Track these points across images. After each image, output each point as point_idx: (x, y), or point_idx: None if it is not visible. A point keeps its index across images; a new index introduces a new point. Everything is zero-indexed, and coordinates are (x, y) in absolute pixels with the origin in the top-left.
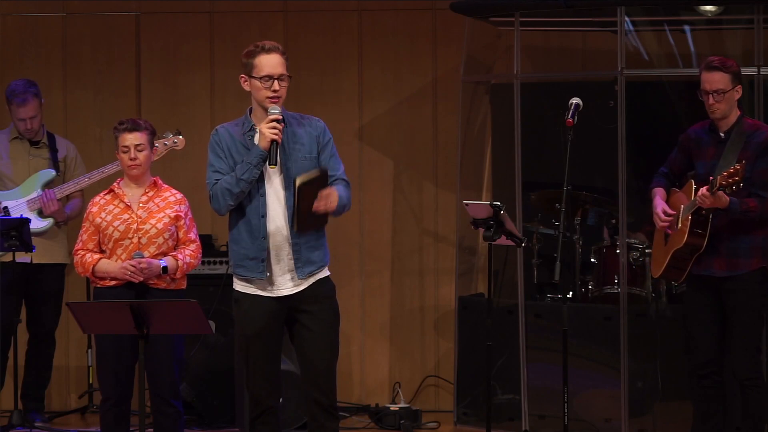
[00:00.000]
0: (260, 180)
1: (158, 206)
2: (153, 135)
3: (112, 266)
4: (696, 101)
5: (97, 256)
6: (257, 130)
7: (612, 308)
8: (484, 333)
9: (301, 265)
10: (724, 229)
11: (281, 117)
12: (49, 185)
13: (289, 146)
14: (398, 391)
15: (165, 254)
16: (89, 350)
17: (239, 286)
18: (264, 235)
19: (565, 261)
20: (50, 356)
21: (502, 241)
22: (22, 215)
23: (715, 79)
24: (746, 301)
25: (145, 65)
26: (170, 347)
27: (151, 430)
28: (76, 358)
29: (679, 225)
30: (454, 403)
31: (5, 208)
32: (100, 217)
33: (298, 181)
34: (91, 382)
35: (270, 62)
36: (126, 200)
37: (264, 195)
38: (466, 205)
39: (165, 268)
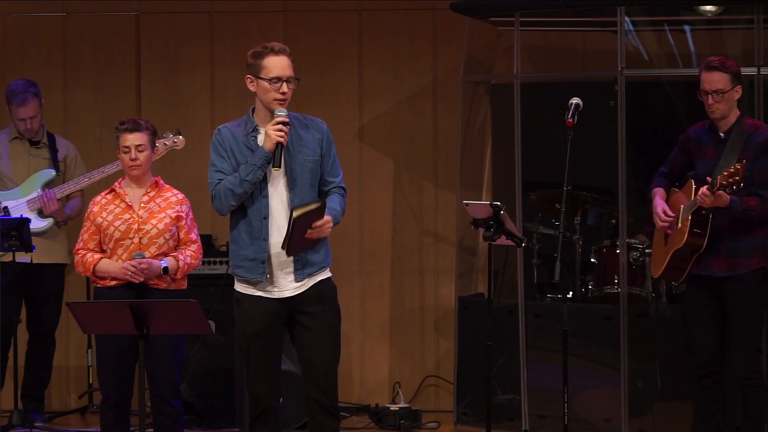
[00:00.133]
0: (263, 181)
1: (159, 206)
2: (154, 135)
3: (112, 266)
4: (696, 101)
5: (98, 255)
6: (260, 131)
7: (612, 308)
8: (484, 333)
9: (301, 266)
10: (724, 229)
11: (288, 119)
12: (49, 185)
13: (293, 149)
14: (398, 391)
15: (166, 254)
16: (89, 350)
17: (240, 286)
18: (265, 237)
19: (565, 261)
20: (50, 356)
21: (502, 241)
22: (22, 215)
23: (714, 79)
24: (746, 301)
25: (145, 65)
26: (170, 347)
27: (151, 430)
28: (76, 358)
29: (679, 225)
30: (454, 403)
31: (5, 208)
32: (101, 217)
33: (295, 214)
34: (91, 382)
35: (280, 64)
36: (127, 200)
37: (266, 197)
38: (466, 205)
39: (166, 269)
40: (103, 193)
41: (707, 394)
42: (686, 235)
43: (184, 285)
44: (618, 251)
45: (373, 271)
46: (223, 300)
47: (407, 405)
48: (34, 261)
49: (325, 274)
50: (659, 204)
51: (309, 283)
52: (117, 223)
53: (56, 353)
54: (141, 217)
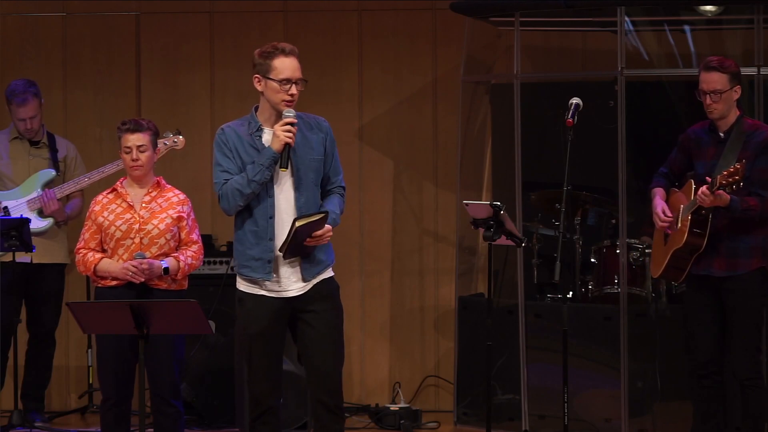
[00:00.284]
0: (269, 181)
1: (161, 206)
2: (156, 135)
3: (113, 266)
4: (696, 101)
5: (99, 255)
6: (265, 130)
7: (612, 308)
8: (484, 333)
9: (309, 265)
10: (724, 229)
11: (296, 120)
12: (49, 185)
13: (299, 149)
14: (398, 391)
15: (167, 255)
16: (89, 350)
17: (243, 285)
18: (271, 237)
19: (565, 261)
20: (50, 356)
21: (502, 241)
22: (22, 215)
23: (712, 80)
24: (746, 301)
25: (145, 65)
26: (171, 347)
27: (151, 430)
28: (76, 358)
29: (679, 225)
30: (454, 403)
31: (5, 208)
32: (103, 216)
33: (297, 223)
34: (91, 382)
35: (290, 66)
36: (129, 200)
37: (273, 196)
38: (466, 205)
39: (166, 269)
40: (104, 193)
41: (707, 394)
42: (686, 235)
43: (185, 285)
44: (618, 251)
45: (373, 271)
46: (223, 300)
47: (407, 405)
48: (34, 261)
49: (329, 273)
50: (659, 204)
51: (313, 281)
52: (118, 223)
53: (56, 353)
54: (142, 217)
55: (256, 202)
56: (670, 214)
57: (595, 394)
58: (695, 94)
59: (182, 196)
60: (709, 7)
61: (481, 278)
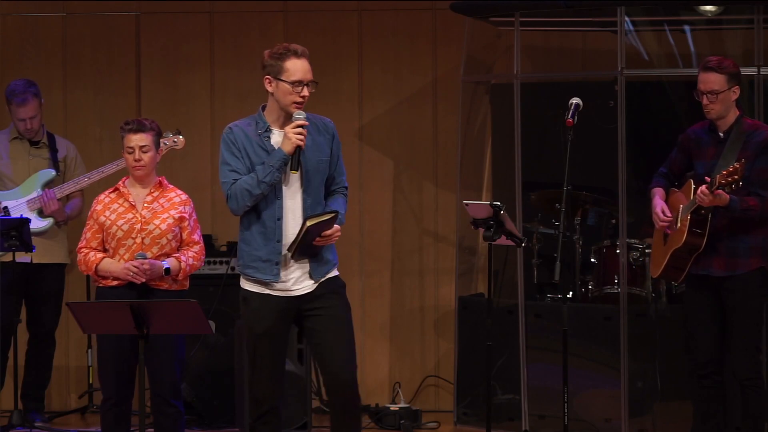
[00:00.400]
0: (278, 182)
1: (163, 207)
2: (159, 135)
3: (114, 266)
4: (696, 101)
5: (100, 255)
6: (273, 131)
7: (612, 308)
8: (484, 333)
9: (317, 265)
10: (723, 229)
11: (307, 123)
12: (49, 185)
13: (309, 151)
14: (398, 391)
15: (168, 255)
16: (89, 350)
17: (247, 284)
18: (279, 238)
19: (565, 261)
20: (50, 356)
21: (502, 241)
22: (22, 215)
23: (709, 80)
24: (745, 301)
25: (145, 65)
26: (171, 347)
27: (152, 430)
28: (76, 358)
29: (678, 225)
30: (454, 403)
31: (5, 208)
32: (105, 216)
33: (309, 223)
34: (91, 382)
35: (302, 68)
36: (131, 200)
37: (281, 198)
38: (466, 205)
39: (168, 270)
40: (106, 192)
41: (707, 394)
42: (685, 235)
43: (186, 285)
44: (618, 251)
45: (373, 271)
46: (223, 300)
47: (407, 405)
48: (34, 261)
49: (335, 272)
50: (658, 204)
51: (320, 281)
52: (120, 223)
53: (56, 353)
54: (144, 217)
55: (264, 204)
56: (669, 214)
57: (595, 394)
58: (694, 94)
59: (184, 197)
60: (709, 7)
61: (481, 278)
